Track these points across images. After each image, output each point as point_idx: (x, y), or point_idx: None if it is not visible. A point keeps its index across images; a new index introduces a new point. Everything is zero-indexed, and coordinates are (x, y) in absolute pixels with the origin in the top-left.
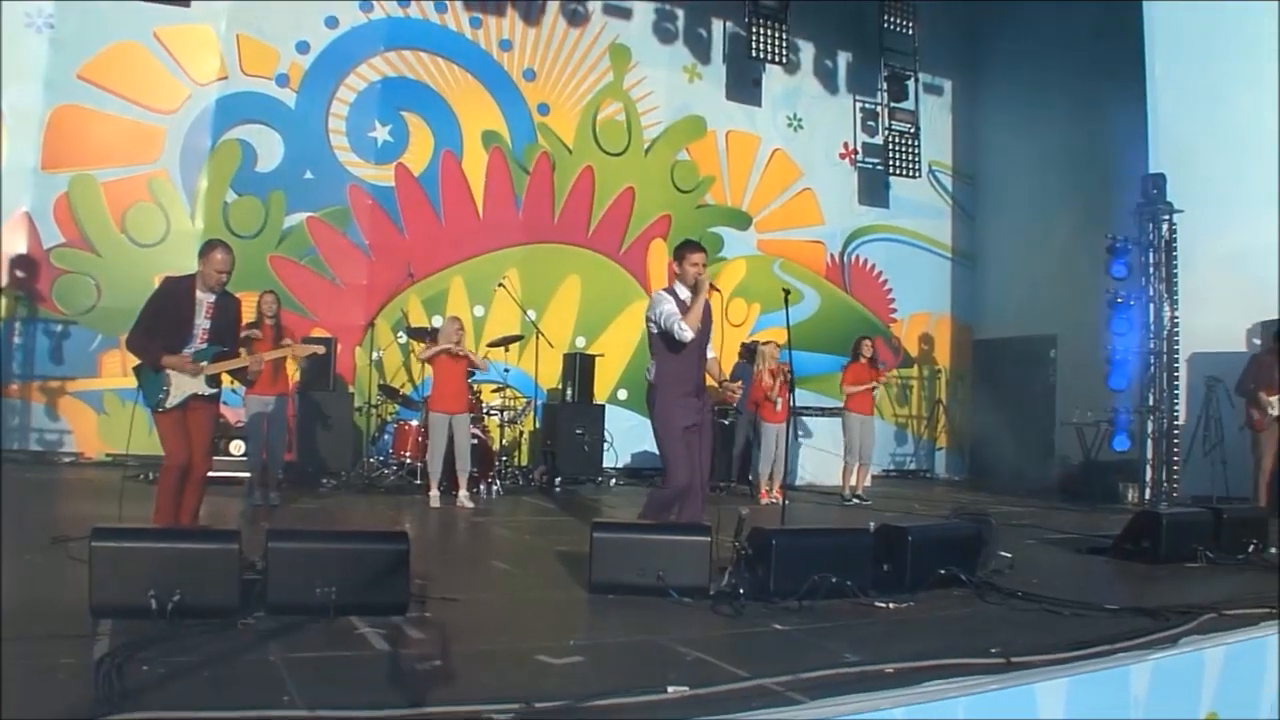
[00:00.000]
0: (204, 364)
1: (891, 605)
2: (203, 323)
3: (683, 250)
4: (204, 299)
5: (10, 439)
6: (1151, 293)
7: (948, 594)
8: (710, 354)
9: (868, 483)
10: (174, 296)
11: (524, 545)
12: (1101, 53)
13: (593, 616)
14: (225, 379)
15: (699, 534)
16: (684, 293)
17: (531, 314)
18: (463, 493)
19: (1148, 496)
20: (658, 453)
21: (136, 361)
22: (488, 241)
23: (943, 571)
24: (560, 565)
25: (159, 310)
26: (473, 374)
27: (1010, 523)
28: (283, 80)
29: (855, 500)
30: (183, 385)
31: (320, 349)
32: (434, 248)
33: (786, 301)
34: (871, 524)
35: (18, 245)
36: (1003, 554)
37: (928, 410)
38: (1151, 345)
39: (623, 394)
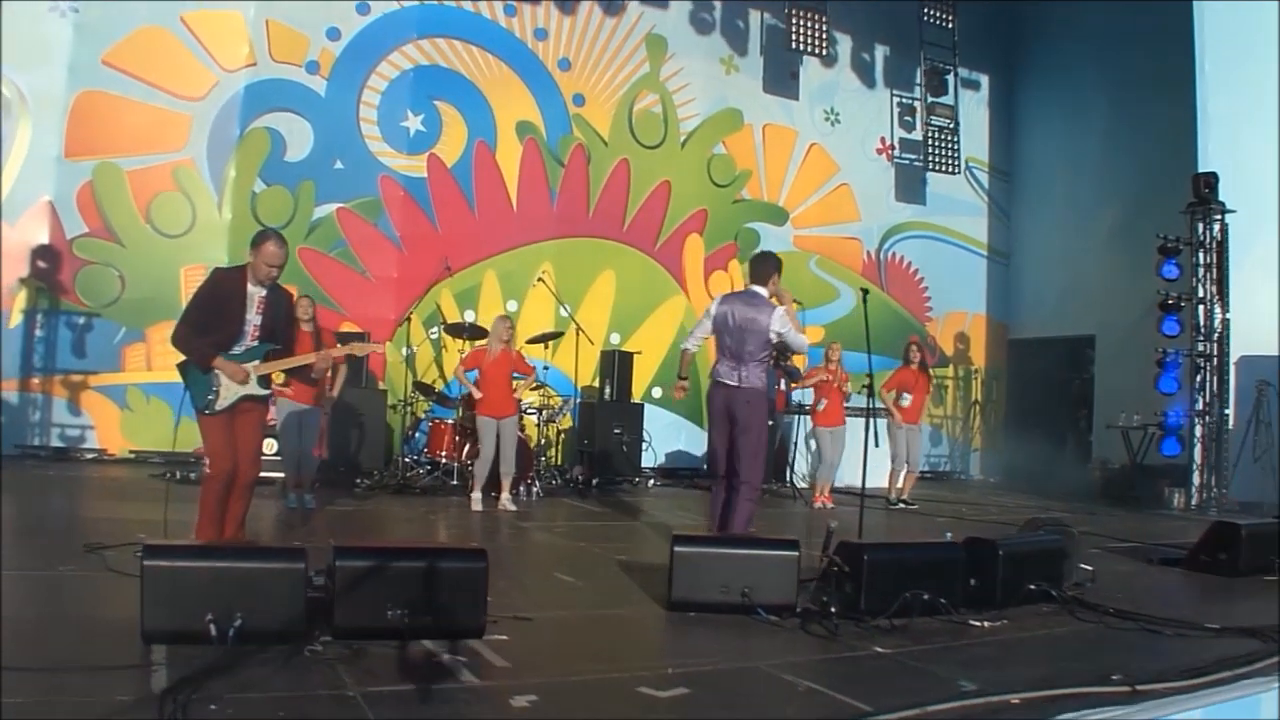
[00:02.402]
0: (256, 363)
1: (986, 624)
2: (254, 318)
3: (774, 267)
4: (255, 293)
5: (31, 434)
6: (1202, 294)
7: (1035, 610)
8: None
9: (914, 487)
10: (224, 290)
11: (581, 553)
12: (1146, 49)
13: (678, 638)
14: (276, 377)
15: (786, 549)
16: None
17: (566, 309)
18: (505, 495)
19: (1195, 502)
20: (748, 457)
21: (181, 358)
22: (521, 235)
23: (1032, 587)
24: (625, 577)
25: (208, 304)
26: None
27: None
28: (313, 67)
29: (900, 504)
30: (234, 386)
31: (380, 347)
32: (467, 240)
33: (865, 302)
34: (948, 534)
35: (40, 235)
36: (1083, 566)
37: (963, 411)
38: (1201, 348)
39: (657, 392)
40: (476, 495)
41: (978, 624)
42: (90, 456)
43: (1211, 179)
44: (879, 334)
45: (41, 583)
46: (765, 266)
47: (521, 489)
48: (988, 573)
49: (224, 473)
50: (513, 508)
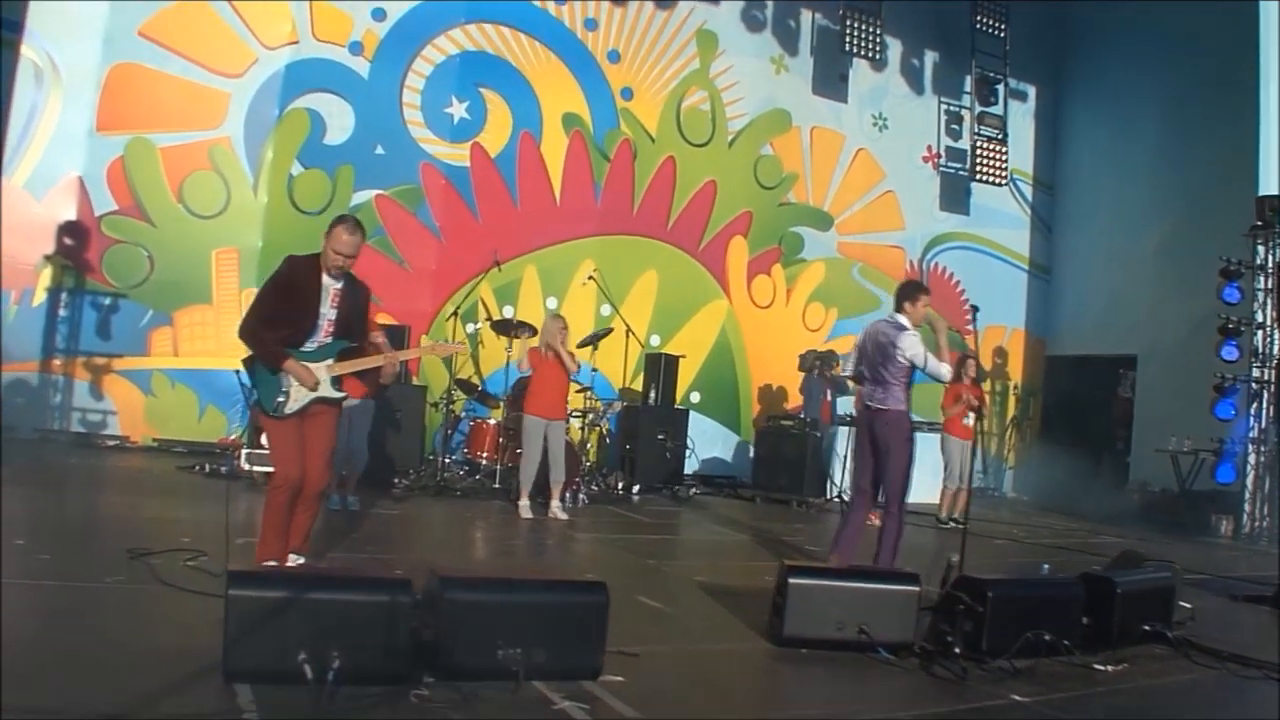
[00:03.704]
0: (330, 362)
1: (1110, 668)
2: (328, 312)
3: (921, 291)
4: (330, 285)
5: (51, 418)
6: (1261, 319)
7: (1147, 651)
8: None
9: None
10: (298, 279)
11: (654, 573)
12: (1200, 65)
13: (799, 681)
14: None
15: (906, 583)
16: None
17: (613, 308)
18: (555, 503)
19: (1245, 530)
20: (892, 478)
21: (246, 353)
22: (564, 230)
23: (1146, 628)
24: (713, 602)
25: (281, 295)
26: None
27: (1103, 555)
28: (356, 48)
29: (952, 523)
30: (306, 387)
31: (461, 347)
32: (508, 234)
33: (975, 320)
34: (1045, 567)
35: (67, 210)
36: (1183, 604)
37: (998, 427)
38: (1257, 374)
39: (695, 397)
40: (525, 502)
41: (1101, 668)
42: (112, 443)
43: (1276, 202)
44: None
45: (92, 598)
46: (903, 292)
47: (567, 495)
48: (1104, 612)
49: (292, 481)
50: (563, 516)
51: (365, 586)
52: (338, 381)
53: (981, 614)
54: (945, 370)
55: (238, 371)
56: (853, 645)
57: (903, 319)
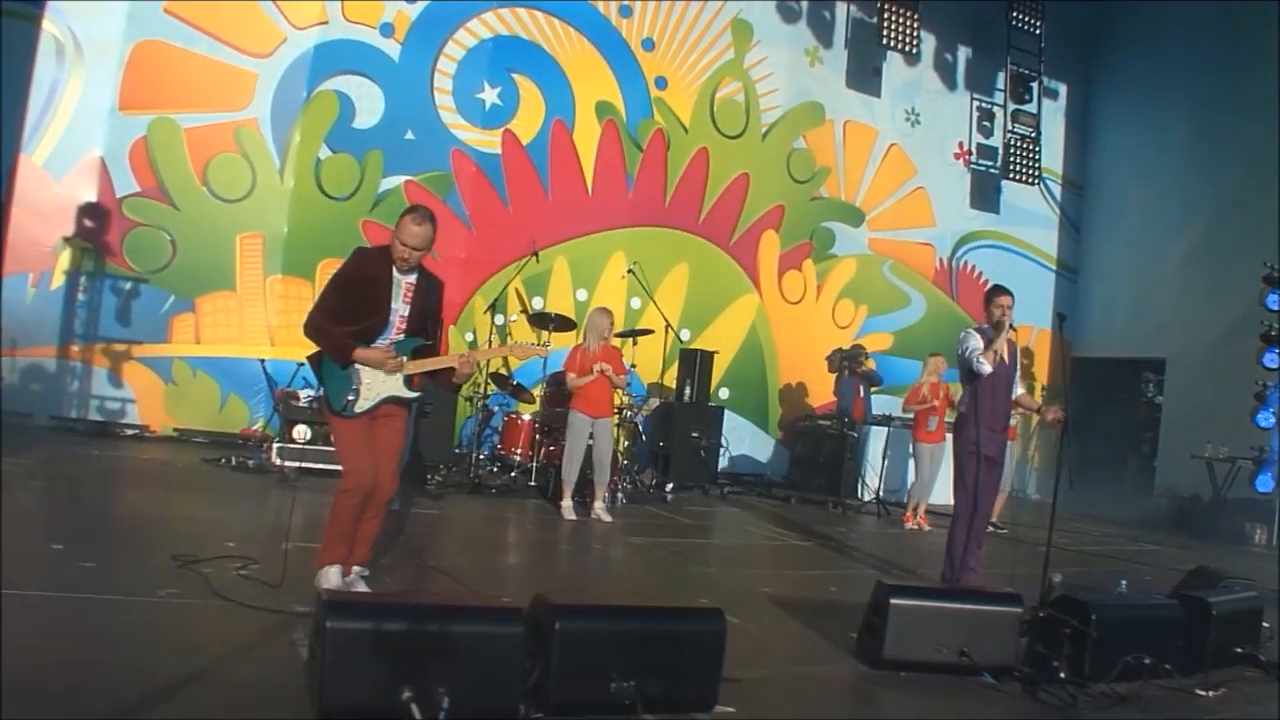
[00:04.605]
0: (403, 359)
1: (1211, 693)
2: (400, 308)
3: (992, 294)
4: (401, 279)
5: (69, 405)
6: None
7: (1238, 674)
8: (1018, 391)
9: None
10: (368, 272)
11: (719, 582)
12: (1234, 64)
13: (906, 708)
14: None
15: (1009, 604)
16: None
17: (653, 303)
18: (599, 504)
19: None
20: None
21: (313, 349)
22: (595, 221)
23: (1239, 650)
24: (789, 618)
25: (349, 288)
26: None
27: (1148, 564)
28: (387, 30)
29: (990, 528)
30: (376, 385)
31: (543, 350)
32: (539, 223)
33: (1061, 329)
34: (1123, 583)
35: (88, 192)
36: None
37: (1023, 429)
38: None
39: (724, 393)
40: (567, 503)
41: (1203, 694)
42: (131, 433)
43: None
44: (948, 344)
45: (150, 616)
46: (985, 297)
47: (606, 496)
48: (1199, 634)
49: (362, 486)
50: (607, 518)
51: (473, 617)
52: (411, 380)
53: (1085, 636)
54: (985, 368)
55: (262, 361)
56: (952, 668)
57: (984, 323)
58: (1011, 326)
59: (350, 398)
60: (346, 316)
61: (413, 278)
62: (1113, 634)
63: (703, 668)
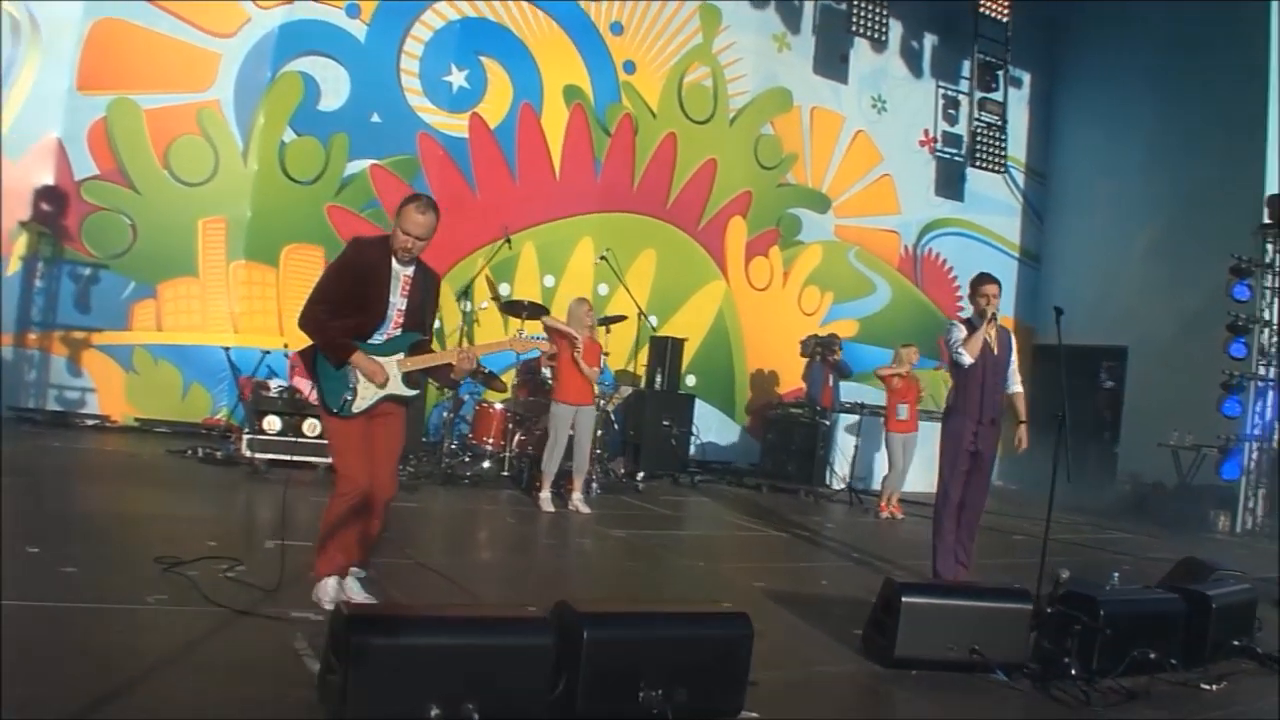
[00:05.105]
0: (400, 357)
1: (1214, 687)
2: (398, 302)
3: (977, 282)
4: (400, 270)
5: (26, 395)
6: (1269, 317)
7: (1235, 667)
8: (1014, 388)
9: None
10: (366, 263)
11: (712, 577)
12: (1200, 56)
13: (925, 708)
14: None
15: (1018, 600)
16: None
17: (604, 288)
18: (577, 495)
19: (1246, 527)
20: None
21: (308, 343)
22: (563, 206)
23: (1235, 643)
24: (790, 614)
25: (347, 280)
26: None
27: (1120, 552)
28: (353, 10)
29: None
30: (375, 384)
31: (548, 347)
32: (506, 208)
33: (1059, 321)
34: (1115, 575)
35: (45, 175)
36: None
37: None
38: (1261, 371)
39: (691, 380)
40: (546, 495)
41: (1207, 687)
42: (91, 423)
43: None
44: (912, 331)
45: (144, 627)
46: (970, 286)
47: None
48: (1199, 627)
49: (361, 489)
50: (586, 509)
51: (502, 629)
52: (410, 378)
53: (1095, 631)
54: (965, 359)
55: (225, 349)
56: (964, 666)
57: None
58: (995, 315)
59: (348, 397)
60: (345, 310)
61: (410, 270)
62: (1119, 628)
63: (729, 673)
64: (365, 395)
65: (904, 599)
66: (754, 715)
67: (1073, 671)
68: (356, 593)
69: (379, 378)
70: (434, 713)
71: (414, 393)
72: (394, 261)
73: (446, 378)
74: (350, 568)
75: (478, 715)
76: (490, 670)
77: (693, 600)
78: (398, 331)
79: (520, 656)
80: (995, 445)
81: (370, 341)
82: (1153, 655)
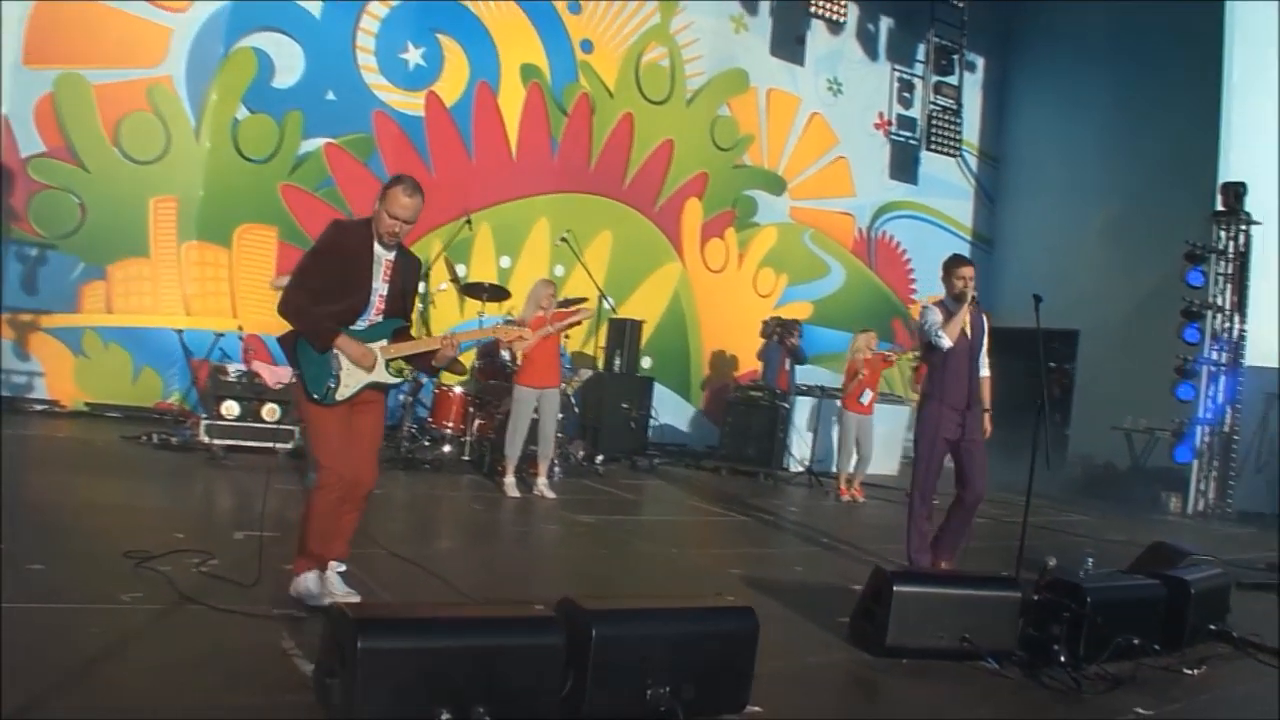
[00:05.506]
0: (384, 343)
1: (1195, 671)
2: (380, 287)
3: (952, 264)
4: (382, 255)
5: None
6: (1221, 302)
7: (1211, 651)
8: (983, 372)
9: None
10: (348, 247)
11: (687, 564)
12: (1158, 45)
13: (917, 697)
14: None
15: (1006, 588)
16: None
17: (561, 269)
18: (542, 480)
19: (1198, 508)
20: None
21: (287, 328)
22: (520, 186)
23: (1212, 628)
24: (773, 602)
25: (329, 264)
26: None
27: (1079, 534)
28: None
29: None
30: (358, 371)
31: (533, 337)
32: (462, 188)
33: (1038, 309)
34: (1089, 560)
35: None
36: None
37: None
38: (1214, 356)
39: (646, 362)
40: (510, 480)
41: (1189, 672)
42: (40, 408)
43: (1240, 188)
44: (866, 314)
45: (122, 628)
46: (944, 268)
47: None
48: (1179, 612)
49: (341, 480)
50: (550, 495)
51: (511, 629)
52: (391, 365)
53: (1082, 618)
54: (944, 341)
55: (178, 331)
56: (954, 654)
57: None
58: (974, 298)
59: (331, 384)
60: (327, 295)
61: (392, 254)
62: (1104, 615)
63: (735, 668)
64: (349, 383)
65: (895, 588)
66: (758, 709)
67: (1062, 659)
68: (337, 587)
69: (367, 360)
70: (444, 717)
71: (397, 380)
72: (376, 245)
73: (428, 365)
74: (330, 560)
75: (489, 719)
76: (501, 671)
77: (696, 594)
78: (379, 318)
79: (531, 656)
80: (983, 428)
81: (354, 328)
82: (1136, 641)
